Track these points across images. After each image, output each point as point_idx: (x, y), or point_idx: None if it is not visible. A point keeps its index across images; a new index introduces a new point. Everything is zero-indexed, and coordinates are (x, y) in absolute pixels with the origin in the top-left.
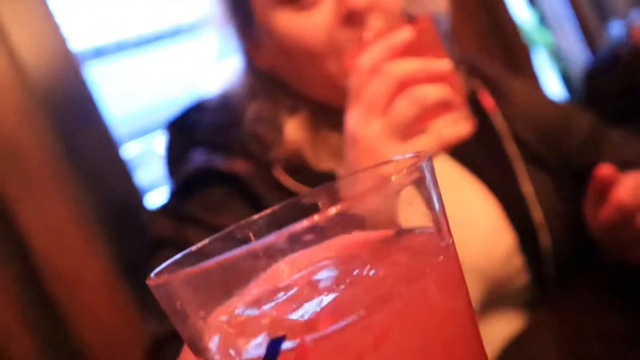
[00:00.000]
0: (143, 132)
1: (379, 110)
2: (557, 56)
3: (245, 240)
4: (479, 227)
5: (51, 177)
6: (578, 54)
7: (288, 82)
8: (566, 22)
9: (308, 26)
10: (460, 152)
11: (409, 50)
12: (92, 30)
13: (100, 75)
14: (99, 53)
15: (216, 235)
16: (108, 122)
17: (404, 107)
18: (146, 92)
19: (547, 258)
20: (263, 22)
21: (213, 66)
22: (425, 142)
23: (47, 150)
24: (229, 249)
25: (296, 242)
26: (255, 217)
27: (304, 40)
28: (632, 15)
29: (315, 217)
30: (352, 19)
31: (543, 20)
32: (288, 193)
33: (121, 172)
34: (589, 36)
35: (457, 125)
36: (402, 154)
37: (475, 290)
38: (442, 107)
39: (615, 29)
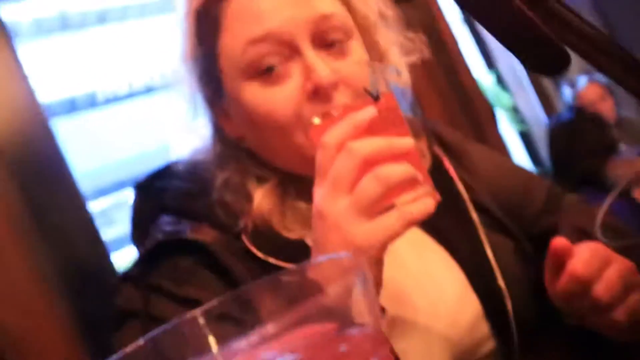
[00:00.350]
0: (112, 186)
1: (345, 188)
2: (516, 117)
3: (191, 336)
4: (446, 295)
5: (10, 232)
6: (536, 115)
7: (257, 152)
8: (523, 83)
9: (275, 100)
10: (427, 220)
11: (373, 128)
12: (61, 83)
13: (69, 129)
14: (67, 106)
15: (152, 333)
16: (75, 177)
17: (369, 185)
18: (116, 146)
19: (511, 324)
20: (232, 94)
21: (184, 127)
22: (391, 220)
23: (8, 204)
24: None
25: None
26: (200, 310)
27: (271, 114)
28: (577, 81)
29: (264, 329)
30: (319, 94)
31: (500, 81)
32: (257, 262)
33: (87, 229)
34: (544, 98)
35: (421, 202)
36: (368, 232)
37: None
38: (407, 184)
39: (566, 94)
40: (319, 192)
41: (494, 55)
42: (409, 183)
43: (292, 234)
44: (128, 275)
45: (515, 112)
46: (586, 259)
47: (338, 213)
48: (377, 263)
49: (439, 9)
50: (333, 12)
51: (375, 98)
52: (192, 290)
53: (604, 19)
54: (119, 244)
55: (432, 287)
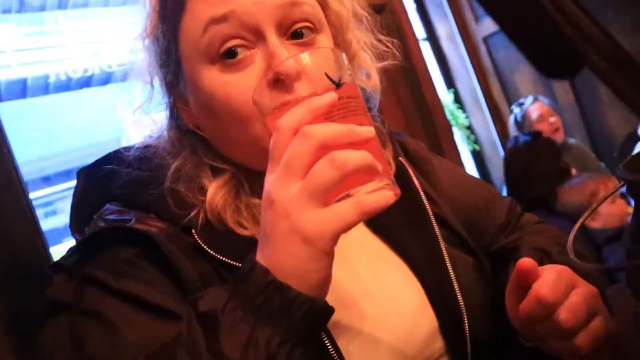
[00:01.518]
0: (56, 176)
1: (298, 173)
2: (470, 136)
3: None
4: (401, 308)
5: None
6: (489, 136)
7: (213, 142)
8: (480, 104)
9: (234, 86)
10: (387, 230)
11: (332, 115)
12: (14, 65)
13: (18, 113)
14: (18, 89)
15: None
16: (16, 163)
17: (324, 171)
18: (62, 135)
19: (467, 341)
20: (190, 79)
21: (139, 111)
22: (345, 208)
23: None
24: None
25: None
26: None
27: (229, 101)
28: (524, 102)
29: None
30: (279, 83)
31: (458, 100)
32: (205, 258)
33: (25, 218)
34: (499, 119)
35: (379, 193)
36: (320, 220)
37: None
38: (364, 174)
39: (515, 112)
40: (271, 177)
41: (454, 75)
42: (367, 173)
43: (245, 231)
44: (62, 265)
45: (470, 131)
46: (552, 282)
47: (288, 199)
48: (327, 256)
49: (408, 24)
50: (303, 0)
51: (337, 85)
52: (132, 284)
53: None
54: (61, 235)
55: (385, 299)
